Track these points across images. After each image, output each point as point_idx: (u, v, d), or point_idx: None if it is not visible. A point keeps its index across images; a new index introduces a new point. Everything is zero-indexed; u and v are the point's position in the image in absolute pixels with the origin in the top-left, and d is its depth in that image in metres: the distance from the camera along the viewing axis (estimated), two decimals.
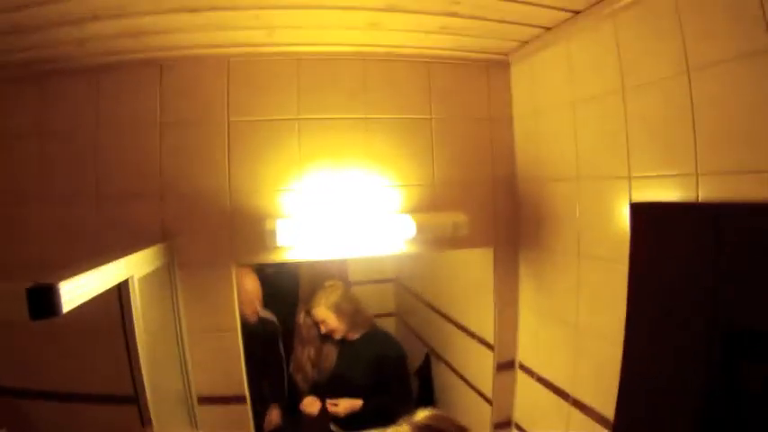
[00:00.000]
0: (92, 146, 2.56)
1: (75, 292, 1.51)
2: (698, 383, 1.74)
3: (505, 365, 2.98)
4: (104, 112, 2.57)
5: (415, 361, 4.19)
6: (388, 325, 4.94)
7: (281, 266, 4.68)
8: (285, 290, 4.61)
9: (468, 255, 3.15)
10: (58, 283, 1.42)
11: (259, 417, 3.30)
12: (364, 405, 3.46)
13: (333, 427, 3.63)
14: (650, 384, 1.97)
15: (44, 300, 1.39)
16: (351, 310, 3.57)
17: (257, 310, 3.72)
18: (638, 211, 2.04)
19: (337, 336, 3.65)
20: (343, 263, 4.72)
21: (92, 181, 2.56)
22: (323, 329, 3.66)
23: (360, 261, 4.62)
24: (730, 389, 1.65)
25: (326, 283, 3.78)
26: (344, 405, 3.49)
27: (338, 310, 3.56)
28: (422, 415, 1.56)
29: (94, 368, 2.58)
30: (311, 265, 4.52)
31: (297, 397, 3.76)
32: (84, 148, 2.56)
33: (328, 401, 3.51)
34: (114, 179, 2.57)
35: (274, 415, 3.82)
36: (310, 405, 3.58)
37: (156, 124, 2.57)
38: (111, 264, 1.80)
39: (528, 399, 2.89)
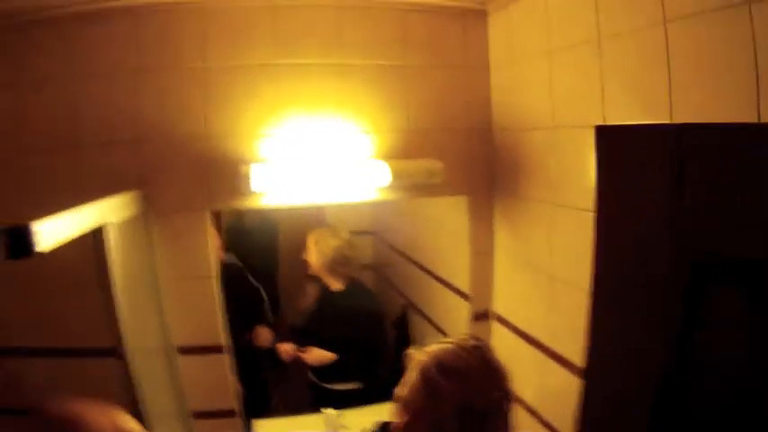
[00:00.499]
0: (70, 95, 2.54)
1: (51, 233, 1.53)
2: (666, 319, 1.80)
3: (481, 316, 3.03)
4: (83, 62, 2.54)
5: (392, 313, 4.25)
6: (365, 278, 4.98)
7: (260, 221, 4.71)
8: (264, 244, 4.66)
9: (445, 206, 3.19)
10: (31, 224, 1.44)
11: (243, 366, 3.37)
12: (339, 359, 3.51)
13: (311, 377, 3.70)
14: (619, 324, 2.04)
15: (19, 240, 1.42)
16: (332, 257, 3.60)
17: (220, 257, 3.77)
18: (603, 134, 2.06)
19: (310, 271, 3.71)
20: (320, 215, 4.76)
21: (69, 129, 2.55)
22: (304, 255, 3.71)
23: (337, 212, 4.67)
24: (699, 326, 1.72)
25: (323, 227, 3.84)
26: (315, 355, 3.57)
27: (322, 249, 3.60)
28: (460, 337, 1.68)
29: (73, 323, 2.59)
30: (290, 218, 4.57)
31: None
32: (62, 98, 2.54)
33: (300, 349, 3.60)
34: (91, 127, 2.55)
35: (264, 332, 3.87)
36: (285, 351, 3.65)
37: (132, 72, 2.55)
38: (85, 207, 1.81)
39: (504, 350, 2.86)
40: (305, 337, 3.66)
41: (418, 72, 2.81)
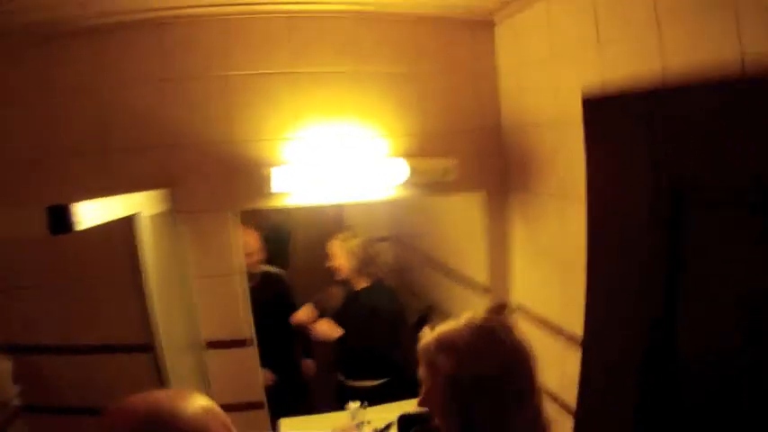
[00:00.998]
0: (99, 103, 2.68)
1: (89, 213, 1.65)
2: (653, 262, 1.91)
3: (501, 307, 3.07)
4: (111, 72, 2.68)
5: (412, 317, 4.32)
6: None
7: (274, 230, 4.82)
8: (276, 252, 4.74)
9: (460, 205, 3.29)
10: (72, 204, 1.57)
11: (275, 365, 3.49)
12: (365, 356, 3.60)
13: (339, 376, 3.79)
14: (611, 286, 2.16)
15: (60, 217, 1.54)
16: (362, 257, 3.71)
17: (256, 265, 3.87)
18: (589, 104, 2.17)
19: (341, 275, 3.79)
20: (339, 222, 4.86)
21: (99, 135, 2.68)
22: (330, 263, 3.81)
23: (356, 219, 4.77)
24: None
25: (345, 231, 3.97)
26: (323, 326, 3.74)
27: (350, 252, 3.70)
28: (476, 315, 1.64)
29: (104, 320, 2.72)
30: (305, 227, 4.69)
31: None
32: (92, 105, 2.68)
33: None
34: (120, 133, 2.69)
35: (311, 366, 4.03)
36: (300, 317, 3.85)
37: (158, 81, 2.69)
38: (121, 196, 1.94)
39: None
40: None
41: (429, 78, 2.93)
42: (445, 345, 1.57)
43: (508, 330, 1.60)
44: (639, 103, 1.91)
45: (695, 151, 1.72)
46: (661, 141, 1.83)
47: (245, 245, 3.60)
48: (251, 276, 3.72)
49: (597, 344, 2.27)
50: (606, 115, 2.11)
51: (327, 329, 3.69)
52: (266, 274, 3.99)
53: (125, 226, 2.06)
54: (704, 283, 1.78)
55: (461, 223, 3.53)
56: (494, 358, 1.53)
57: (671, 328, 1.88)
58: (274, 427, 3.14)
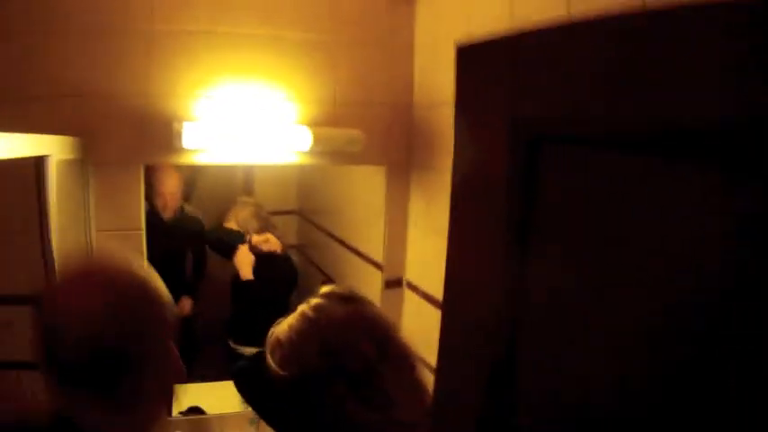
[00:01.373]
0: (24, 51, 2.61)
1: None
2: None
3: (393, 283, 3.24)
4: (38, 21, 2.61)
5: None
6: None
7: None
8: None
9: (365, 182, 3.39)
10: None
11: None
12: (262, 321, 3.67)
13: (231, 343, 3.84)
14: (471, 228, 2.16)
15: None
16: (255, 226, 3.76)
17: (175, 206, 3.97)
18: (463, 53, 2.15)
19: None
20: (248, 191, 4.92)
21: (20, 82, 2.61)
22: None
23: (265, 194, 4.82)
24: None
25: (240, 199, 3.99)
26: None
27: (245, 226, 3.74)
28: (327, 288, 1.60)
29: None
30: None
31: None
32: (16, 53, 2.60)
33: None
34: (41, 81, 2.63)
35: (186, 304, 4.04)
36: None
37: (83, 31, 2.65)
38: (30, 135, 1.94)
39: (414, 315, 3.14)
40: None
41: (346, 49, 3.00)
42: (272, 343, 1.50)
43: (337, 309, 1.50)
44: (504, 46, 1.87)
45: (554, 96, 1.72)
46: (520, 87, 1.83)
47: (166, 185, 3.72)
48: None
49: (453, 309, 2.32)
50: (475, 63, 2.09)
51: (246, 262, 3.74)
52: (184, 213, 4.08)
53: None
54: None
55: (364, 199, 3.63)
56: (317, 349, 1.42)
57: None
58: None
